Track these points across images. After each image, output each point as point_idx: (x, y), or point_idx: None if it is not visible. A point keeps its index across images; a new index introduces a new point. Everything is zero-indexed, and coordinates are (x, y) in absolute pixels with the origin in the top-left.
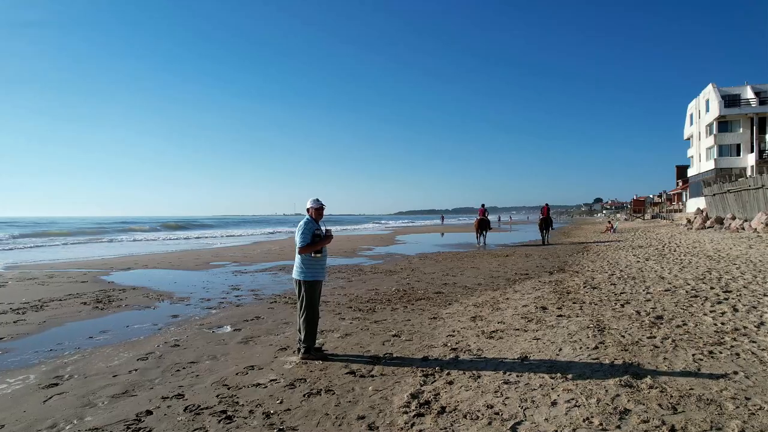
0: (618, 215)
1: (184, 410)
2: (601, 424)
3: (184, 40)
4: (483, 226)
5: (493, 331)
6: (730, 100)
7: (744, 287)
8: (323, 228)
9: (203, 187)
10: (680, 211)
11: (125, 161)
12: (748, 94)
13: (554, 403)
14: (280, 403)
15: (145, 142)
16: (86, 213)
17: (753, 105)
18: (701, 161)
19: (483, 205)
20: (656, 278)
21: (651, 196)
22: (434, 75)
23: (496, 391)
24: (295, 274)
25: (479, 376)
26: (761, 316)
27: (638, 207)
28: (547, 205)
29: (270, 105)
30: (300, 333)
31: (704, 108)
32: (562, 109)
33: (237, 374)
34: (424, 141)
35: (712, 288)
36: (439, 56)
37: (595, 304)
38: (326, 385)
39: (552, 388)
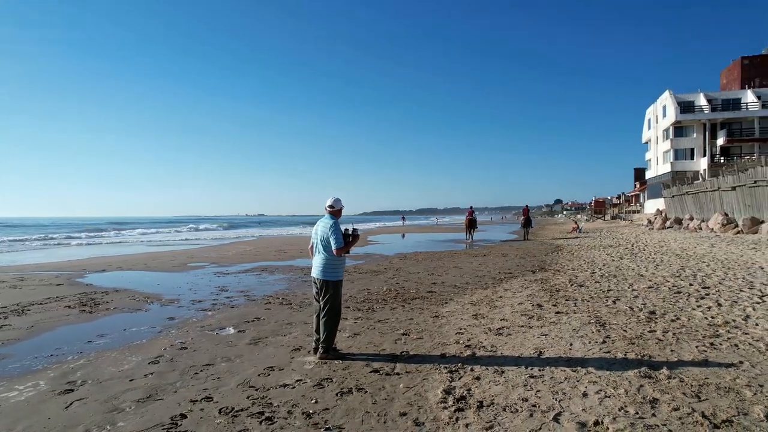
0: (579, 216)
1: (219, 412)
2: (636, 413)
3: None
4: (471, 225)
5: (499, 329)
6: (685, 107)
7: (719, 283)
8: (349, 228)
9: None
10: (638, 211)
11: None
12: (702, 101)
13: (585, 395)
14: (315, 402)
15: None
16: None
17: (706, 112)
18: (658, 164)
19: (471, 207)
20: (636, 276)
21: (609, 197)
22: (395, 76)
23: (525, 385)
24: (321, 274)
25: (503, 372)
26: (744, 310)
27: (599, 208)
28: (527, 206)
29: (229, 103)
30: (319, 333)
31: (661, 113)
32: (522, 113)
33: (259, 375)
34: (389, 143)
35: (691, 284)
36: (411, 54)
37: (587, 301)
38: (355, 383)
39: (578, 381)
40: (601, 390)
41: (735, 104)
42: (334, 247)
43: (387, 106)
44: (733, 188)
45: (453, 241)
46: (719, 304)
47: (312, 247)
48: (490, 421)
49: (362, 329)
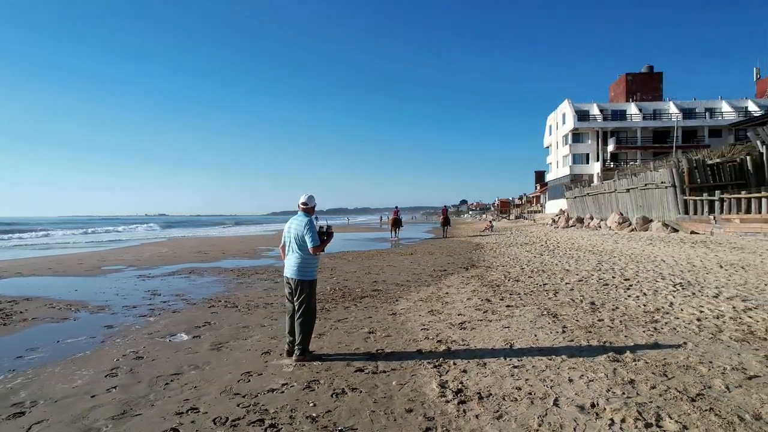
0: (485, 216)
1: (215, 423)
2: (623, 393)
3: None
4: (396, 224)
5: (461, 323)
6: (582, 115)
7: (636, 275)
8: (323, 225)
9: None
10: (540, 212)
11: None
12: (595, 110)
13: (571, 380)
14: (314, 405)
15: None
16: None
17: (599, 121)
18: (558, 167)
19: (396, 207)
20: (563, 270)
21: (511, 198)
22: (310, 74)
23: (512, 375)
24: (296, 274)
25: (485, 364)
26: (666, 298)
27: (504, 208)
28: (446, 207)
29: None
30: (293, 335)
31: (561, 120)
32: (430, 115)
33: (239, 381)
34: (295, 140)
35: (614, 277)
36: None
37: (529, 295)
38: (346, 384)
39: (559, 368)
40: (582, 375)
41: (622, 115)
42: (310, 245)
43: (291, 102)
44: (628, 190)
45: (375, 240)
46: (644, 294)
47: (284, 246)
48: (497, 411)
49: (325, 329)
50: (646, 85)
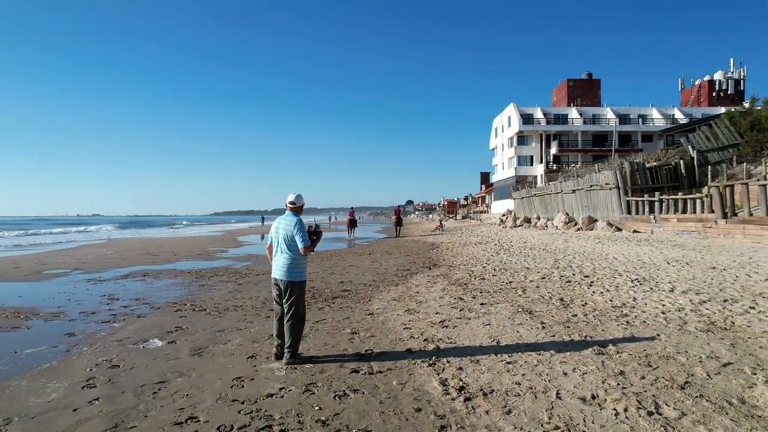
0: (431, 216)
1: (219, 431)
2: (618, 384)
3: None
4: (352, 224)
5: (441, 322)
6: (526, 119)
7: (594, 272)
8: (312, 225)
9: None
10: (486, 212)
11: None
12: (539, 114)
13: (565, 374)
14: (319, 409)
15: None
16: None
17: (542, 124)
18: (504, 169)
19: (352, 209)
20: (524, 269)
21: (457, 198)
22: (251, 69)
23: (508, 371)
24: (285, 275)
25: (478, 361)
26: (628, 293)
27: (451, 208)
28: (398, 207)
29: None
30: (282, 338)
31: (507, 123)
32: (372, 116)
33: (232, 387)
34: (240, 140)
35: (574, 274)
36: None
37: (499, 293)
38: (345, 386)
39: (551, 363)
40: (575, 368)
41: (564, 119)
42: (301, 246)
43: (232, 101)
44: (573, 191)
45: (331, 240)
46: (608, 290)
47: (270, 247)
48: (505, 406)
49: (306, 331)
50: (586, 91)
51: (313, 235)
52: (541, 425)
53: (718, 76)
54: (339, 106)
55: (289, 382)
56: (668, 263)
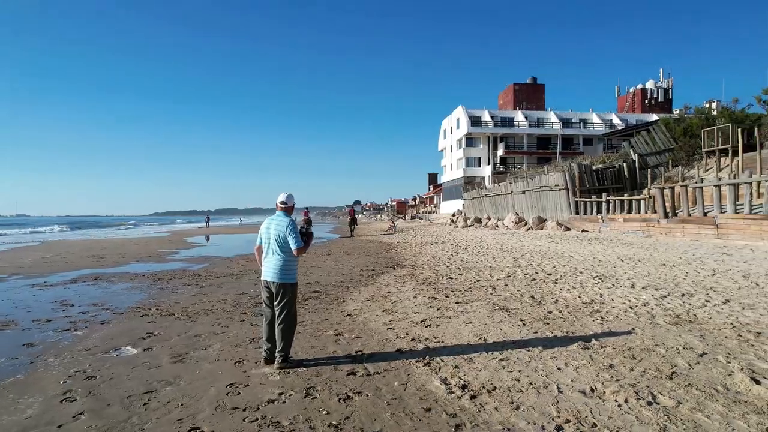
0: (380, 216)
1: None
2: (612, 377)
3: None
4: (307, 224)
5: (423, 321)
6: (474, 121)
7: (555, 270)
8: (302, 226)
9: None
10: (435, 212)
11: None
12: (486, 117)
13: (560, 369)
14: (327, 413)
15: None
16: None
17: (490, 127)
18: (452, 170)
19: (306, 209)
20: (487, 268)
21: (404, 198)
22: (195, 65)
23: (504, 368)
24: (278, 277)
25: (472, 359)
26: (593, 289)
27: (401, 209)
28: (353, 207)
29: None
30: (271, 342)
31: (456, 125)
32: (320, 116)
33: (228, 395)
34: (179, 140)
35: (537, 273)
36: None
37: (470, 291)
38: (347, 388)
39: (542, 359)
40: (567, 363)
41: (510, 122)
42: (294, 247)
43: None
44: (524, 192)
45: None
46: (573, 287)
47: (260, 248)
48: (512, 402)
49: None
50: (531, 95)
51: (304, 236)
52: (552, 419)
53: (649, 84)
54: (287, 107)
55: (287, 387)
56: (622, 261)
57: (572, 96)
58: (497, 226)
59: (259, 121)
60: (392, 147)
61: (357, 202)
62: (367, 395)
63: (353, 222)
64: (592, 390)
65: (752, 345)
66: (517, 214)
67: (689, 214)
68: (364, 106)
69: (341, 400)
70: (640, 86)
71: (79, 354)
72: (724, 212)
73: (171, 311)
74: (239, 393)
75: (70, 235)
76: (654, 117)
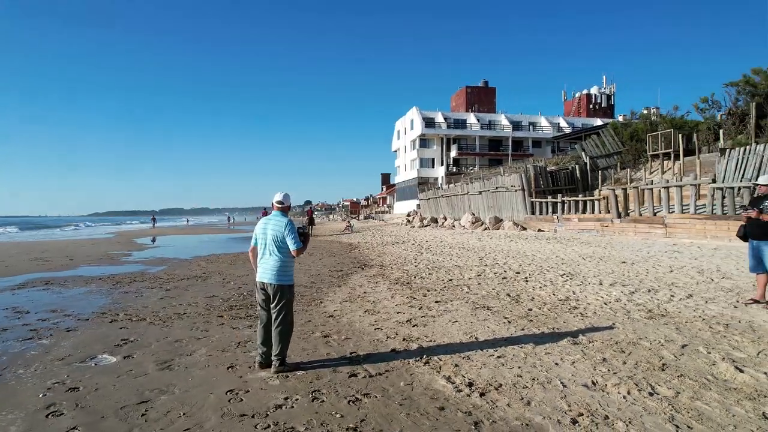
0: (333, 216)
1: None
2: (608, 370)
3: None
4: (310, 223)
5: (408, 321)
6: (428, 122)
7: (522, 269)
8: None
9: None
10: (388, 212)
11: None
12: (440, 118)
13: (557, 364)
14: (341, 417)
15: None
16: None
17: (443, 128)
18: (406, 170)
19: (265, 209)
20: (455, 267)
21: (356, 198)
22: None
23: (504, 365)
24: (275, 278)
25: (469, 357)
26: (565, 287)
27: (354, 209)
28: (311, 208)
29: None
30: (267, 345)
31: (410, 126)
32: (270, 115)
33: (230, 401)
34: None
35: (505, 271)
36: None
37: (445, 291)
38: (353, 390)
39: (537, 355)
40: (562, 358)
41: (463, 124)
42: (293, 247)
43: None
44: (480, 193)
45: (239, 240)
46: (545, 285)
47: (254, 249)
48: (522, 398)
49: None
50: (482, 98)
51: (301, 236)
52: (565, 413)
53: (593, 90)
54: (244, 107)
55: (291, 391)
56: (584, 259)
57: (522, 100)
58: (454, 226)
59: (202, 121)
60: (345, 147)
61: (308, 202)
62: (376, 397)
63: (311, 222)
64: (594, 383)
65: (724, 336)
66: (474, 214)
67: (640, 214)
68: (318, 103)
69: (351, 403)
70: (585, 91)
71: (52, 364)
72: (672, 212)
73: (141, 316)
74: (242, 399)
75: (3, 237)
76: (599, 121)
